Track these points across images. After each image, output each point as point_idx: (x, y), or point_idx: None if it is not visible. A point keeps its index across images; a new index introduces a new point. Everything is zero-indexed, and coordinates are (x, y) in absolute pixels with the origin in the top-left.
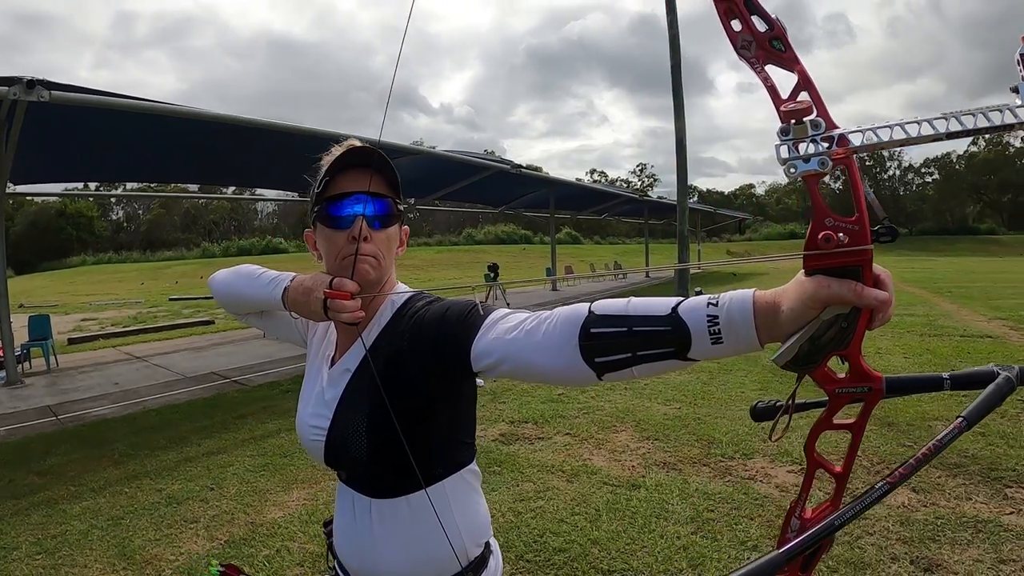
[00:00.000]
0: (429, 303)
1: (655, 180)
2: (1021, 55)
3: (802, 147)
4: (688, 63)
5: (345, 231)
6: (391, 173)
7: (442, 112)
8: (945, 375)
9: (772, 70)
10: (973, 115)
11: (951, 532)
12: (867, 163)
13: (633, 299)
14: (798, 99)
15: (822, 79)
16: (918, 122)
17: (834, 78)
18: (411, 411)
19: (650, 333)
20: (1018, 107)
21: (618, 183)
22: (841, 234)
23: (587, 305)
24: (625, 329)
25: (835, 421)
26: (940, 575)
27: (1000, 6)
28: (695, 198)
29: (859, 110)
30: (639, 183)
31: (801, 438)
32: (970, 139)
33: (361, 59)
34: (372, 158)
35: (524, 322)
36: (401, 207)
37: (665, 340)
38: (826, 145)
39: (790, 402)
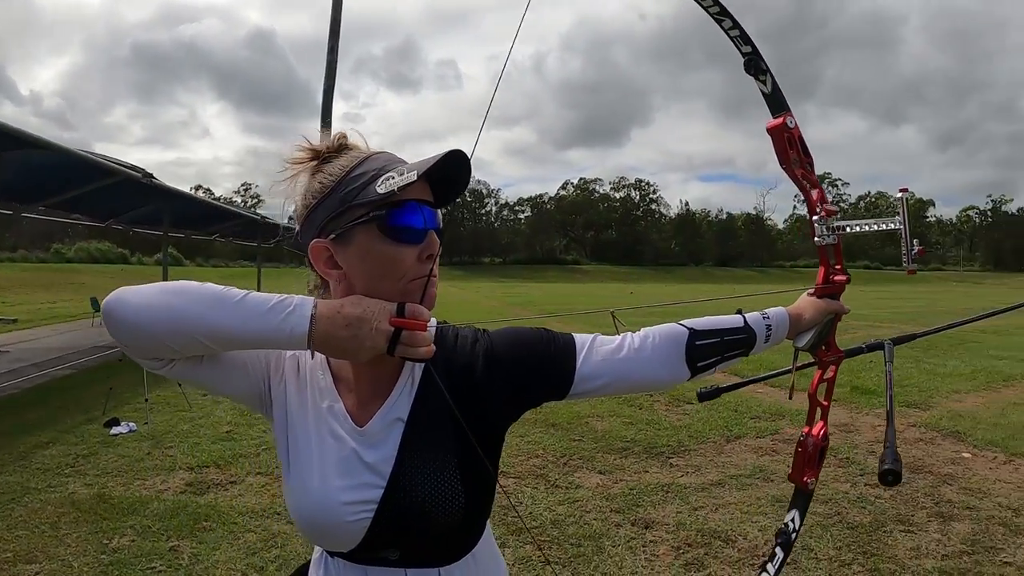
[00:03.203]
0: (477, 332)
1: (259, 201)
2: (895, 199)
3: (823, 229)
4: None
5: (416, 247)
6: (463, 184)
7: (31, 101)
8: (863, 344)
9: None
10: (893, 222)
11: (647, 497)
12: (468, 199)
13: (709, 317)
14: (822, 205)
15: (427, 118)
16: (875, 222)
17: (439, 118)
18: (493, 452)
19: (736, 340)
20: (899, 219)
21: (222, 200)
22: (840, 276)
23: (675, 323)
24: (719, 340)
25: (825, 376)
26: (657, 528)
27: (593, 76)
28: None
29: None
30: (243, 203)
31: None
32: (561, 183)
33: None
34: (463, 166)
35: (625, 342)
36: None
37: (743, 344)
38: (835, 229)
39: (793, 367)
